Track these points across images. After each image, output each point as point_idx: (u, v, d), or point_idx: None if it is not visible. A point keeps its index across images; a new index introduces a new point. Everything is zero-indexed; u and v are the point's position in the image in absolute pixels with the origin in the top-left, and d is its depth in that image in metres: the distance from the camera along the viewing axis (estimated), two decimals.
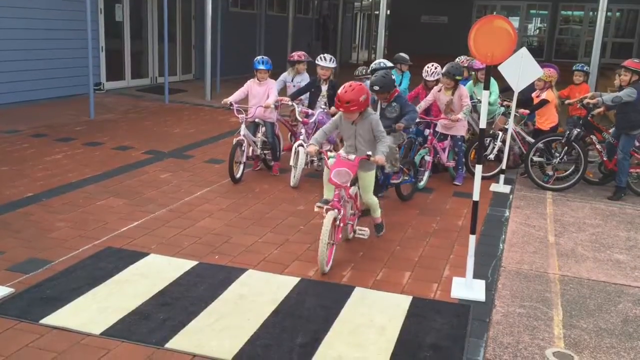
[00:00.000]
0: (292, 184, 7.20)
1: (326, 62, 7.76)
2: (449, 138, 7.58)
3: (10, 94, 10.87)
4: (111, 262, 4.80)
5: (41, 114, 10.58)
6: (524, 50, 7.54)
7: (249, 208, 6.37)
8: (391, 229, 5.93)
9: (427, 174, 7.43)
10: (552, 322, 4.26)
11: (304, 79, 8.41)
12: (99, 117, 10.73)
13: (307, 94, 8.11)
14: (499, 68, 7.63)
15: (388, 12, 12.68)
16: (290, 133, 8.46)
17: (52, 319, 3.89)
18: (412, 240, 5.66)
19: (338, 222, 4.92)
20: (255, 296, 4.37)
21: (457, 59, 9.36)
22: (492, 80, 8.37)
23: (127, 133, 9.71)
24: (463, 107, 7.33)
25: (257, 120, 7.43)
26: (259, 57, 7.52)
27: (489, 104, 8.40)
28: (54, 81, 11.83)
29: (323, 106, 7.64)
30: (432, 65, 8.20)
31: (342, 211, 4.94)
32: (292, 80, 8.48)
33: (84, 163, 7.72)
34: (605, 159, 7.92)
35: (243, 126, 7.15)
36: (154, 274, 4.65)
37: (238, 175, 7.18)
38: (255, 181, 7.41)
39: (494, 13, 24.22)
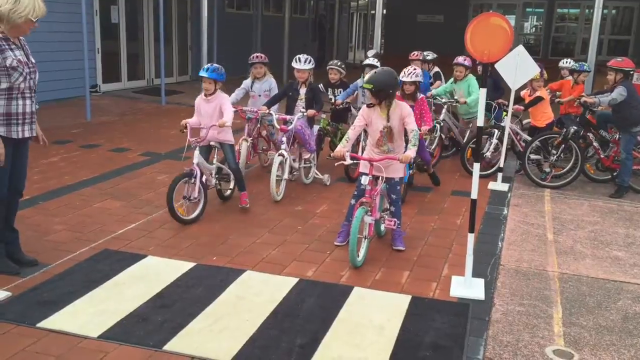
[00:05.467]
0: (277, 198, 6.56)
1: (300, 63, 7.07)
2: (380, 180, 5.19)
3: None
4: (108, 264, 4.78)
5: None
6: (520, 48, 7.54)
7: (247, 209, 6.34)
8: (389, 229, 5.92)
9: (367, 243, 5.12)
10: (551, 320, 4.25)
11: (270, 86, 7.54)
12: (95, 119, 10.71)
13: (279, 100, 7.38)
14: (496, 66, 7.63)
15: (384, 11, 12.65)
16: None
17: (49, 323, 3.87)
18: (410, 240, 5.64)
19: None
20: (253, 297, 4.35)
21: (425, 53, 9.50)
22: (474, 80, 8.35)
23: (123, 135, 9.68)
24: (409, 132, 5.10)
25: (212, 143, 6.08)
26: (207, 65, 6.13)
27: (468, 104, 8.28)
28: (50, 84, 11.76)
29: (302, 109, 7.02)
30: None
31: None
32: (251, 87, 7.60)
33: (80, 165, 7.70)
34: (602, 156, 7.94)
35: (197, 152, 5.81)
36: (151, 276, 4.63)
37: (193, 216, 5.79)
38: (252, 182, 7.39)
39: (490, 11, 24.24)
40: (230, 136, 6.14)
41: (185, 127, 5.90)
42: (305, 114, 6.92)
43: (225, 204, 6.48)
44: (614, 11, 25.83)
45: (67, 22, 11.72)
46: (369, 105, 5.24)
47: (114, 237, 5.39)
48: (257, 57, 7.62)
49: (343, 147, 5.12)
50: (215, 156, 6.21)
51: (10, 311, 3.99)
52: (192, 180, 5.75)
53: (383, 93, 5.05)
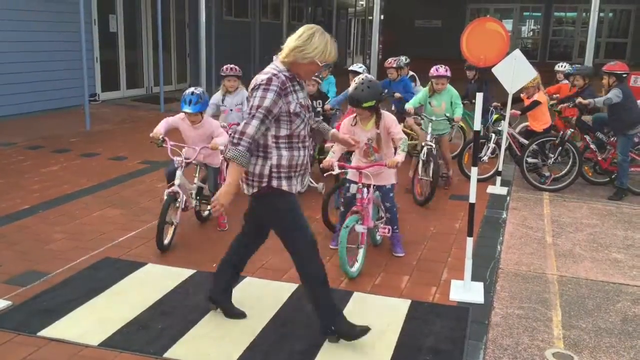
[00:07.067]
0: None
1: None
2: (371, 188, 5.08)
3: (6, 106, 10.87)
4: (109, 272, 4.79)
5: (37, 126, 10.57)
6: (517, 52, 7.57)
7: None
8: None
9: (362, 252, 5.00)
10: (551, 323, 4.26)
11: (243, 98, 6.90)
12: (94, 127, 10.73)
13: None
14: (493, 70, 7.67)
15: (382, 17, 12.70)
16: (227, 164, 7.18)
17: (50, 331, 3.88)
18: (409, 244, 5.66)
19: None
20: (253, 303, 4.36)
21: (403, 58, 8.88)
22: (455, 91, 7.35)
23: (123, 143, 9.70)
24: (397, 141, 5.03)
25: (194, 162, 5.65)
26: (187, 93, 5.49)
27: (446, 117, 7.21)
28: (49, 93, 11.83)
29: None
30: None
31: None
32: (222, 102, 6.97)
33: (80, 174, 7.71)
34: (600, 158, 7.96)
35: (179, 173, 5.36)
36: (151, 283, 4.64)
37: (167, 241, 5.27)
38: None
39: (488, 16, 24.34)
40: (218, 160, 5.80)
41: (164, 141, 5.39)
42: None
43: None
44: (610, 14, 25.91)
45: (65, 31, 11.77)
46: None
47: (114, 245, 5.40)
48: (230, 69, 6.94)
49: (330, 158, 5.02)
50: (197, 175, 5.78)
51: (11, 320, 4.00)
52: (177, 204, 5.37)
53: (377, 107, 5.01)
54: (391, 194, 5.33)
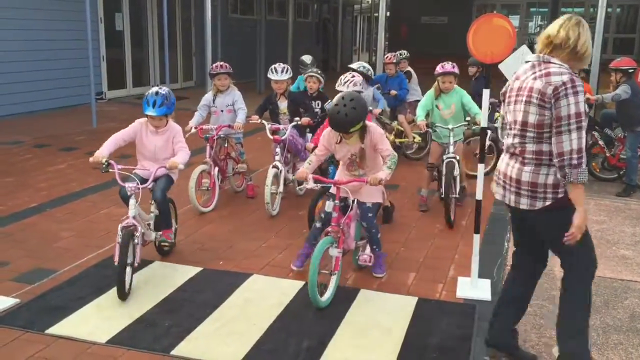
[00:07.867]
0: (272, 213, 6.19)
1: (277, 74, 6.51)
2: (354, 204, 4.55)
3: (13, 105, 10.92)
4: (116, 270, 4.79)
5: (44, 125, 10.61)
6: (524, 48, 7.52)
7: (252, 213, 6.36)
8: (395, 230, 5.92)
9: (334, 280, 4.40)
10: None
11: (234, 99, 6.62)
12: (101, 126, 10.76)
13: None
14: (500, 66, 7.62)
15: (388, 13, 12.67)
16: (217, 169, 6.50)
17: (58, 329, 3.89)
18: (416, 241, 5.65)
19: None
20: (260, 301, 4.37)
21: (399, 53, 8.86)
22: (464, 91, 6.50)
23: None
24: (385, 158, 4.49)
25: (151, 186, 4.86)
26: (150, 93, 4.78)
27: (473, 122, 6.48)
28: (56, 91, 11.88)
29: (297, 119, 6.42)
30: (350, 73, 5.85)
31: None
32: (213, 102, 6.67)
33: (87, 172, 7.74)
34: (608, 154, 7.93)
35: (133, 202, 4.51)
36: (158, 281, 4.65)
37: (127, 287, 4.32)
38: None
39: (494, 12, 24.26)
40: (175, 176, 5.05)
41: (108, 165, 4.65)
42: (299, 122, 6.41)
43: (232, 208, 6.49)
44: (618, 9, 25.78)
45: (72, 29, 11.81)
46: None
47: None
48: (220, 66, 6.62)
49: (305, 169, 4.57)
50: (154, 202, 4.97)
51: (19, 318, 4.02)
52: (136, 240, 4.43)
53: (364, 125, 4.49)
54: (370, 214, 4.65)
